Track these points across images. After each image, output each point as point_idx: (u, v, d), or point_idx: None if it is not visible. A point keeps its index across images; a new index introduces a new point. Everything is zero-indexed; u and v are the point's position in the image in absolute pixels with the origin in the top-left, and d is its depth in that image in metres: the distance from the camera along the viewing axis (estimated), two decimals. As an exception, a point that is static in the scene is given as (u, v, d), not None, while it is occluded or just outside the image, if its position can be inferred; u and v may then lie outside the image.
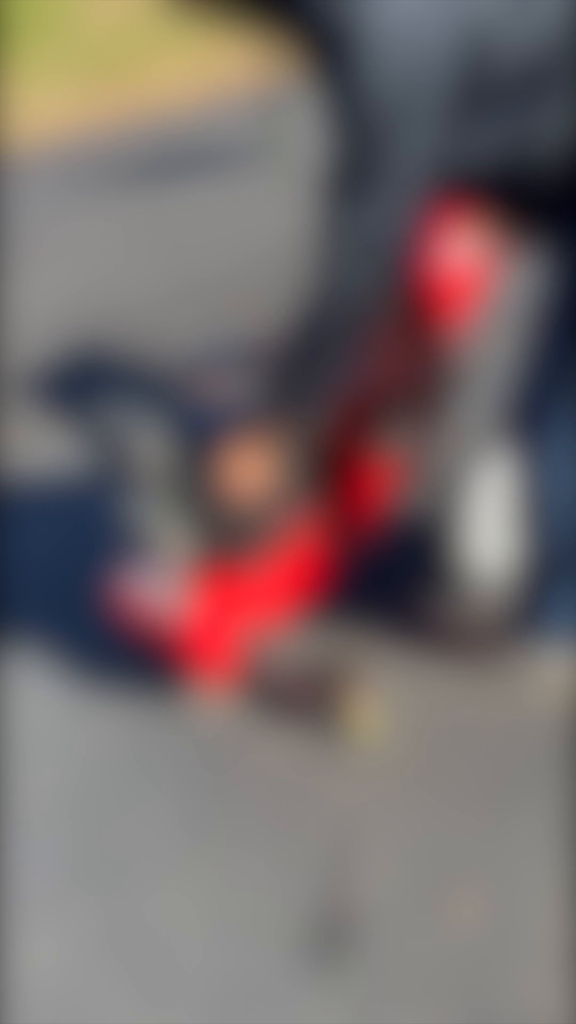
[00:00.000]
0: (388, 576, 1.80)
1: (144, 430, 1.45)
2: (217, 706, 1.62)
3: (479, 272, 1.59)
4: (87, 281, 3.52)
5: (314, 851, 1.38)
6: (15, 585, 1.98)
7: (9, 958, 1.30)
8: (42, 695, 1.73)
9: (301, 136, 4.63)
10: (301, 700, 1.60)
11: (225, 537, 1.47)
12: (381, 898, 1.29)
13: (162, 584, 1.51)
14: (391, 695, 1.58)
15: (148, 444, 1.43)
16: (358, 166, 1.22)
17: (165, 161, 4.68)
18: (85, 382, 2.75)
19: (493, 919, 1.25)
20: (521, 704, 1.56)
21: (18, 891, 1.40)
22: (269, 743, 1.55)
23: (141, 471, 1.45)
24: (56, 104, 5.58)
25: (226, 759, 1.55)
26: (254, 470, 1.39)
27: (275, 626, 1.63)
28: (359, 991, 1.19)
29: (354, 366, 1.38)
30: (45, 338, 3.09)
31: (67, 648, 1.81)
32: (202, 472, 1.40)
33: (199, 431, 1.44)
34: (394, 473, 1.68)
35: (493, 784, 1.44)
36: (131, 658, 1.69)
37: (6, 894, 1.39)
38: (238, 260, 3.39)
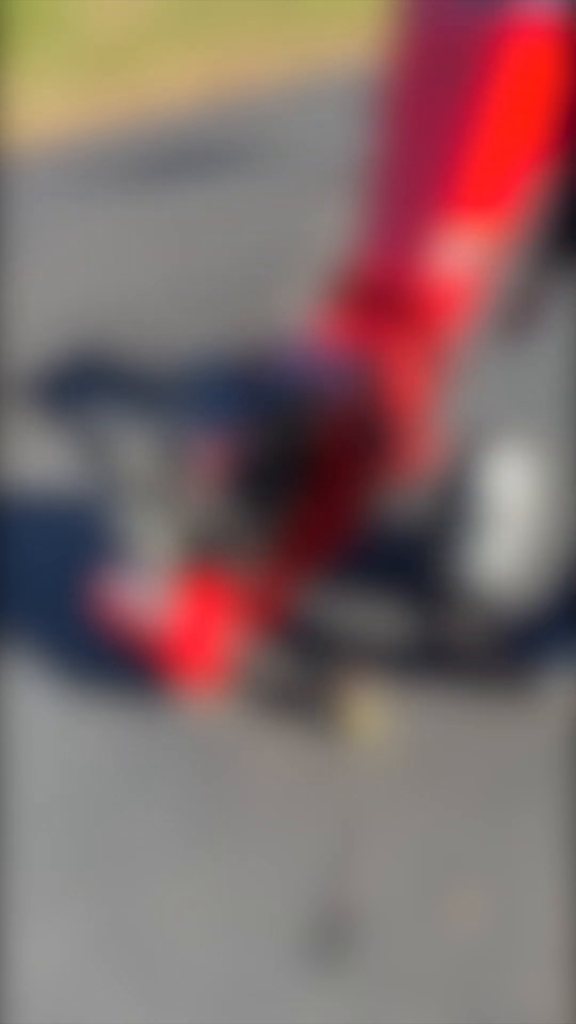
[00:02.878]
0: (390, 577, 1.80)
1: (133, 437, 1.44)
2: (211, 708, 1.63)
3: (478, 278, 1.59)
4: (86, 280, 3.52)
5: (314, 851, 1.38)
6: (7, 588, 1.99)
7: (9, 958, 1.31)
8: (36, 698, 1.73)
9: (301, 136, 4.65)
10: (300, 701, 1.61)
11: (212, 542, 1.46)
12: (381, 898, 1.30)
13: (151, 589, 1.51)
14: (390, 695, 1.58)
15: (136, 451, 1.43)
16: None
17: (165, 161, 4.68)
18: (80, 386, 2.75)
19: (493, 919, 1.25)
20: (521, 706, 1.56)
21: (18, 891, 1.40)
22: (267, 744, 1.56)
23: (129, 477, 1.45)
24: (56, 104, 5.59)
25: (224, 760, 1.55)
26: None
27: (265, 629, 1.63)
28: (359, 991, 1.20)
29: None
30: (44, 339, 3.09)
31: (59, 650, 1.81)
32: (190, 478, 1.40)
33: (190, 437, 1.43)
34: (387, 476, 1.68)
35: (493, 785, 1.44)
36: (122, 662, 1.70)
37: (6, 894, 1.40)
38: (236, 260, 3.39)
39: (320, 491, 1.59)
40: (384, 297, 1.61)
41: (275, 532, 1.54)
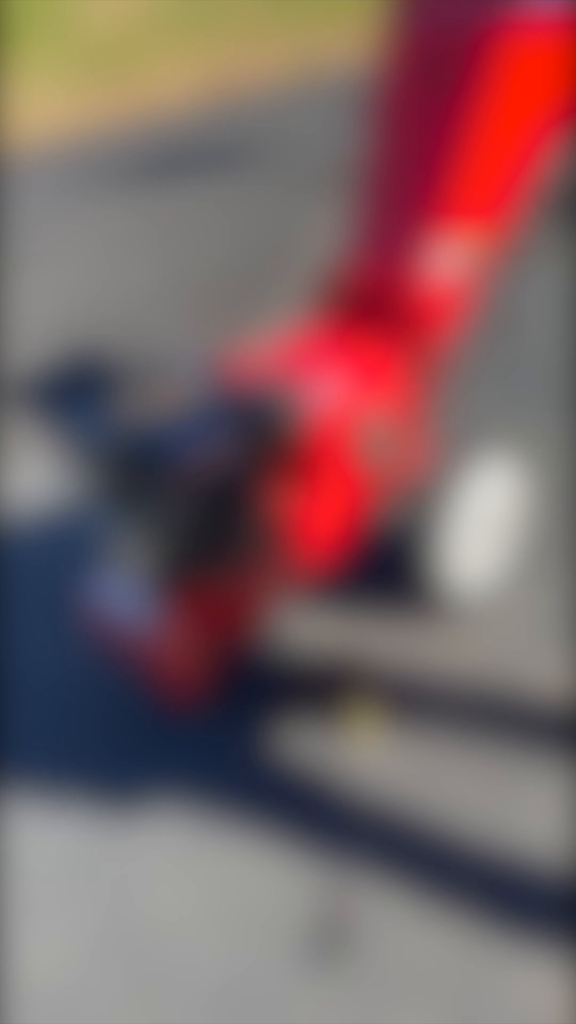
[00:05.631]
0: (378, 582, 1.80)
1: (117, 446, 1.42)
2: (202, 710, 1.63)
3: (469, 283, 1.59)
4: (82, 280, 3.52)
5: (315, 850, 1.38)
6: (3, 594, 1.99)
7: (9, 958, 1.31)
8: (29, 704, 1.74)
9: (298, 137, 4.65)
10: (298, 701, 1.61)
11: (199, 550, 1.46)
12: (381, 898, 1.30)
13: (135, 597, 1.50)
14: (388, 697, 1.58)
15: (119, 461, 1.41)
16: None
17: (162, 161, 4.68)
18: (73, 392, 2.75)
19: (492, 918, 1.25)
20: (516, 704, 1.56)
21: (19, 891, 1.40)
22: (266, 745, 1.56)
23: (112, 487, 1.43)
24: (56, 103, 5.59)
25: (224, 761, 1.56)
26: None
27: (252, 634, 1.63)
28: (359, 991, 1.20)
29: None
30: (42, 340, 3.09)
31: (53, 655, 1.81)
32: (176, 486, 1.39)
33: (176, 444, 1.42)
34: (373, 480, 1.67)
35: (492, 783, 1.44)
36: (111, 668, 1.71)
37: (7, 895, 1.40)
38: (231, 261, 3.39)
39: (305, 501, 1.59)
40: (375, 302, 1.60)
41: (256, 544, 1.53)
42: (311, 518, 1.60)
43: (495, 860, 1.33)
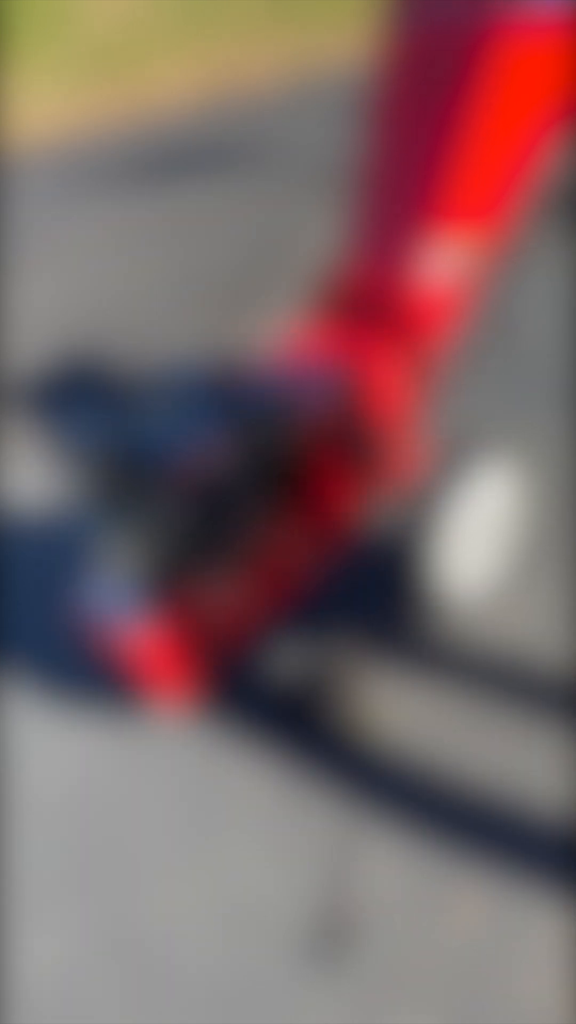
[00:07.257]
0: (373, 586, 1.81)
1: (108, 449, 1.41)
2: (198, 710, 1.63)
3: (465, 286, 1.58)
4: (84, 281, 3.52)
5: (314, 851, 1.38)
6: None
7: (9, 958, 1.31)
8: (27, 708, 1.74)
9: (301, 136, 4.65)
10: (298, 700, 1.61)
11: (194, 553, 1.45)
12: (381, 898, 1.30)
13: (132, 600, 1.50)
14: (387, 697, 1.58)
15: (110, 464, 1.40)
16: None
17: (162, 161, 4.68)
18: (71, 396, 2.74)
19: (493, 919, 1.25)
20: (520, 706, 1.56)
21: (18, 892, 1.40)
22: (264, 743, 1.56)
23: (103, 491, 1.42)
24: (56, 104, 5.59)
25: (225, 760, 1.56)
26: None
27: (245, 640, 1.63)
28: (359, 991, 1.20)
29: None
30: (41, 340, 3.09)
31: (48, 663, 1.82)
32: (170, 489, 1.38)
33: (163, 451, 1.41)
34: (365, 486, 1.67)
35: (493, 783, 1.44)
36: (105, 675, 1.71)
37: (6, 895, 1.40)
38: (229, 263, 3.40)
39: (300, 502, 1.58)
40: (370, 305, 1.60)
41: (250, 546, 1.52)
42: (307, 520, 1.60)
43: (500, 854, 1.33)
